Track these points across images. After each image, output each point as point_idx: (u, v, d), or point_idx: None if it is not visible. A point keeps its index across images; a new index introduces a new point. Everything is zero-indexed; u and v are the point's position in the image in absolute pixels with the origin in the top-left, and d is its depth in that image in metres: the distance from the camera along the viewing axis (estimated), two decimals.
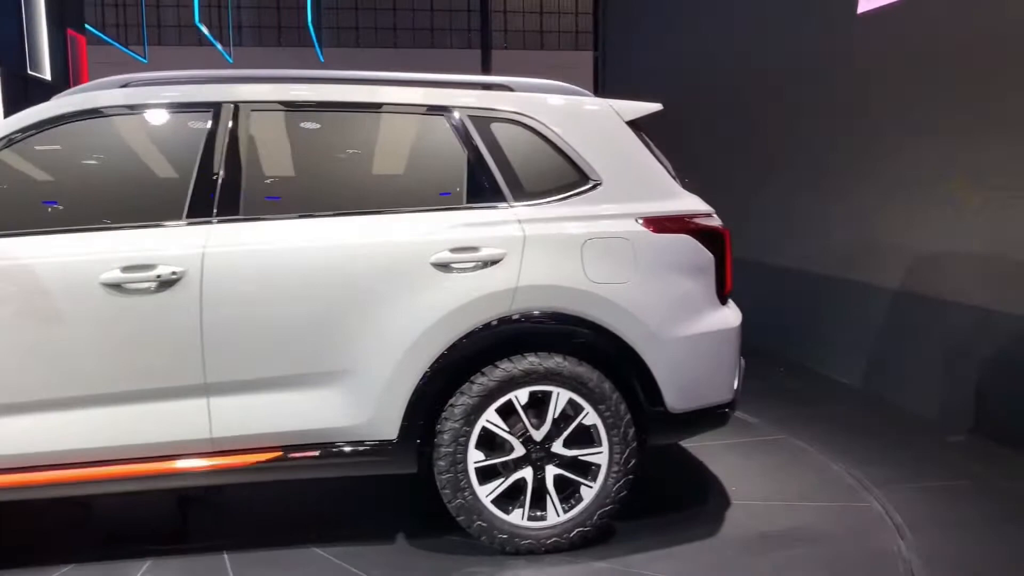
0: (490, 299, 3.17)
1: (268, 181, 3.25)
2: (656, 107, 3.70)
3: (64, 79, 12.36)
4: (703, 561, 3.22)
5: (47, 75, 11.87)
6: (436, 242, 3.17)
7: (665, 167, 3.62)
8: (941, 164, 4.96)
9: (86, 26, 15.39)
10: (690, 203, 3.49)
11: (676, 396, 3.33)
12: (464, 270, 3.17)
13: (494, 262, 3.18)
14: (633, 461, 3.31)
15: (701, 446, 4.42)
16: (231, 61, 22.38)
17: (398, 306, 3.13)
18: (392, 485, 3.67)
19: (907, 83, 5.24)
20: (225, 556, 3.27)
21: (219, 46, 21.50)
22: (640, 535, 3.41)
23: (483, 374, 3.20)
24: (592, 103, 3.51)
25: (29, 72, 11.29)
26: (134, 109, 3.22)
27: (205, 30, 19.65)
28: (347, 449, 3.18)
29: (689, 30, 8.70)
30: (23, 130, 3.08)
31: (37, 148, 3.13)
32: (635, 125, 3.58)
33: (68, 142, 3.17)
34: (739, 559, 3.23)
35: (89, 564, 3.21)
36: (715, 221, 3.48)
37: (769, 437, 4.66)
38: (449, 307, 3.14)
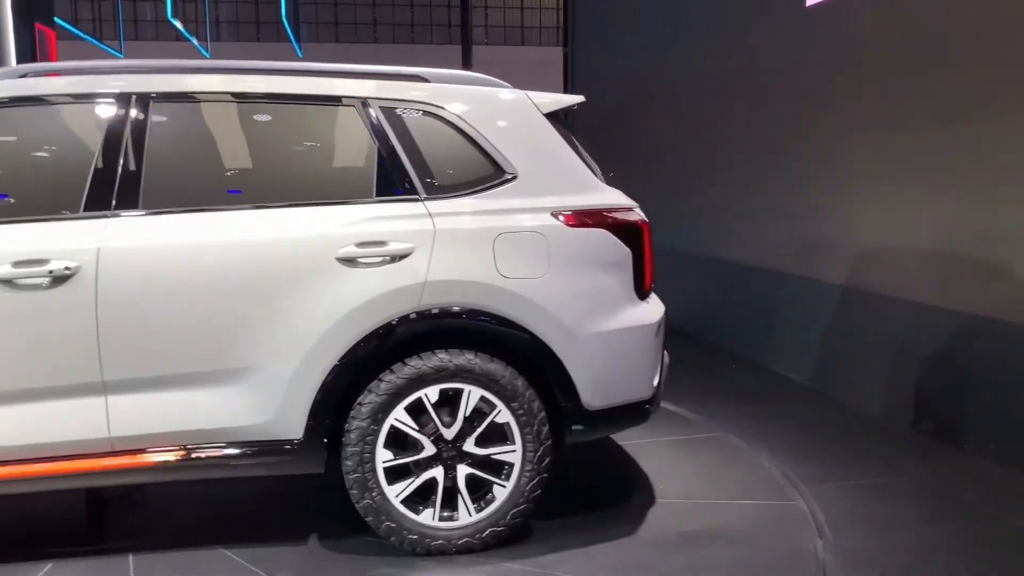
0: (398, 295, 3.10)
1: (170, 174, 3.16)
2: (577, 99, 3.64)
3: None
4: (616, 561, 3.16)
5: None
6: (341, 236, 3.10)
7: (586, 161, 3.56)
8: (884, 158, 4.92)
9: (57, 20, 15.21)
10: (609, 197, 3.43)
11: (592, 393, 3.27)
12: (371, 265, 3.10)
13: (402, 257, 3.11)
14: (548, 460, 3.25)
15: (635, 443, 4.37)
16: (207, 56, 22.20)
17: (302, 303, 3.06)
18: (310, 484, 3.60)
19: (854, 78, 5.20)
20: (130, 558, 3.20)
21: (195, 41, 21.32)
22: (557, 535, 3.36)
23: (392, 371, 3.13)
24: (508, 95, 3.44)
25: None
26: (31, 100, 3.13)
27: (179, 25, 19.48)
28: (252, 449, 3.11)
29: (647, 28, 8.64)
30: None
31: None
32: (555, 118, 3.52)
33: None
34: (652, 559, 3.17)
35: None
36: (634, 215, 3.42)
37: (706, 435, 4.61)
38: (355, 303, 3.07)
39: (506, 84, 3.51)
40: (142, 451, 3.05)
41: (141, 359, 3.00)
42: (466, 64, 21.67)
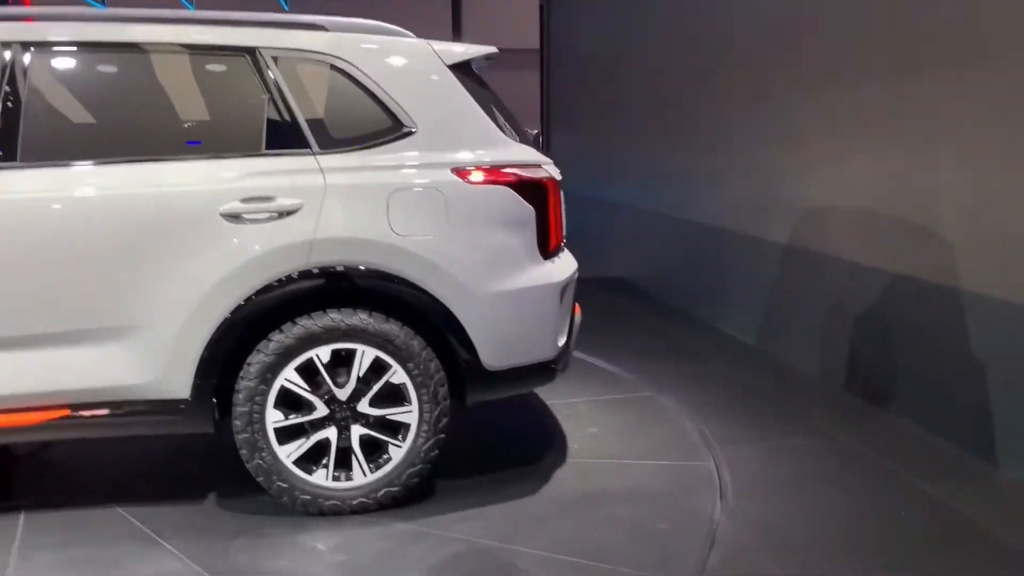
0: (285, 252, 3.02)
1: (51, 126, 3.06)
2: (488, 50, 3.53)
3: None
4: (509, 520, 3.13)
5: None
6: (226, 191, 3.01)
7: (499, 116, 3.46)
8: (827, 118, 4.80)
9: None
10: (515, 153, 3.33)
11: (491, 353, 3.22)
12: (256, 221, 3.02)
13: (289, 213, 3.03)
14: (445, 420, 3.20)
15: (562, 403, 4.34)
16: (191, 8, 21.79)
17: (185, 259, 2.98)
18: (219, 442, 3.56)
19: (803, 38, 5.05)
20: (21, 516, 3.17)
21: None
22: (458, 495, 3.33)
23: (281, 331, 3.06)
24: (410, 45, 3.32)
25: None
26: None
27: None
28: (140, 408, 3.06)
29: None
30: None
31: None
32: (466, 69, 3.42)
33: None
34: (546, 518, 3.14)
35: None
36: (541, 173, 3.32)
37: (636, 394, 4.57)
38: (239, 260, 3.00)
39: (409, 33, 3.39)
40: (24, 409, 3.00)
41: (15, 316, 2.94)
42: (455, 14, 21.37)
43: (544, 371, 3.39)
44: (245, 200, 3.01)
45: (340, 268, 3.06)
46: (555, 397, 4.44)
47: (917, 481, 3.44)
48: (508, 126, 3.56)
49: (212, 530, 3.08)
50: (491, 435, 4.07)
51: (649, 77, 7.60)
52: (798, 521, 3.12)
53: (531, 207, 3.25)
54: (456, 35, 22.52)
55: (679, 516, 3.15)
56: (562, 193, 3.51)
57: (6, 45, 3.00)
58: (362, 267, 3.08)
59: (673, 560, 2.84)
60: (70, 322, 2.97)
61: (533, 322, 3.31)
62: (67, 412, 3.03)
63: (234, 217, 3.00)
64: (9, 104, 2.97)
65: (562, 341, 3.42)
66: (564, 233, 3.60)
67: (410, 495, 3.22)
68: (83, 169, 3.00)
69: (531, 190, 3.25)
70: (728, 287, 6.08)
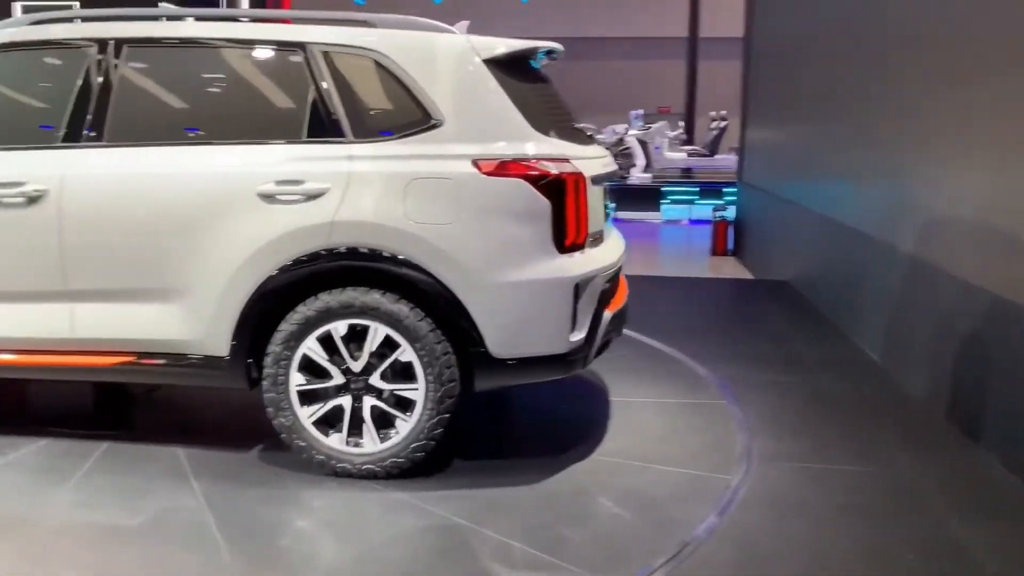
0: (308, 232, 3.30)
1: (129, 113, 3.53)
2: (527, 45, 3.59)
3: None
4: (491, 505, 3.20)
5: None
6: (264, 174, 3.34)
7: (543, 110, 3.53)
8: (968, 122, 4.32)
9: None
10: (540, 147, 3.37)
11: (497, 341, 3.31)
12: (288, 202, 3.32)
13: (316, 196, 3.30)
14: (449, 401, 3.34)
15: (627, 400, 4.32)
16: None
17: (227, 232, 3.35)
18: None
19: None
20: (105, 444, 3.72)
21: None
22: (461, 474, 3.47)
23: (304, 304, 3.35)
24: (448, 41, 3.46)
25: None
26: (37, 44, 3.63)
27: None
28: (187, 361, 3.48)
29: None
30: None
31: None
32: (516, 64, 3.52)
33: None
34: (527, 508, 3.19)
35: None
36: (566, 167, 3.34)
37: (709, 401, 4.41)
38: (269, 237, 3.31)
39: (451, 29, 3.53)
40: (99, 353, 3.53)
41: (94, 272, 3.46)
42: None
43: (555, 364, 3.41)
44: (279, 182, 3.32)
45: (356, 249, 3.29)
46: (623, 394, 4.42)
47: (957, 525, 3.09)
48: (556, 122, 3.61)
49: (237, 478, 3.44)
50: (533, 422, 4.15)
51: (844, 65, 7.12)
52: (781, 549, 2.92)
53: (547, 200, 3.29)
54: (693, 22, 22.16)
55: (656, 525, 3.07)
56: (596, 188, 3.52)
57: (102, 44, 3.52)
58: (376, 250, 3.28)
59: (619, 565, 2.80)
60: (134, 281, 3.45)
61: (542, 314, 3.34)
62: (133, 359, 3.52)
63: (269, 197, 3.32)
64: (103, 93, 3.49)
65: (578, 336, 3.42)
66: (600, 227, 3.60)
67: (414, 468, 3.39)
68: (151, 150, 3.46)
69: (548, 184, 3.29)
70: (865, 297, 5.62)
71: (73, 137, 3.48)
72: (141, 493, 3.29)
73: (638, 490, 3.37)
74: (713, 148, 17.21)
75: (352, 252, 3.30)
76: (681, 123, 18.57)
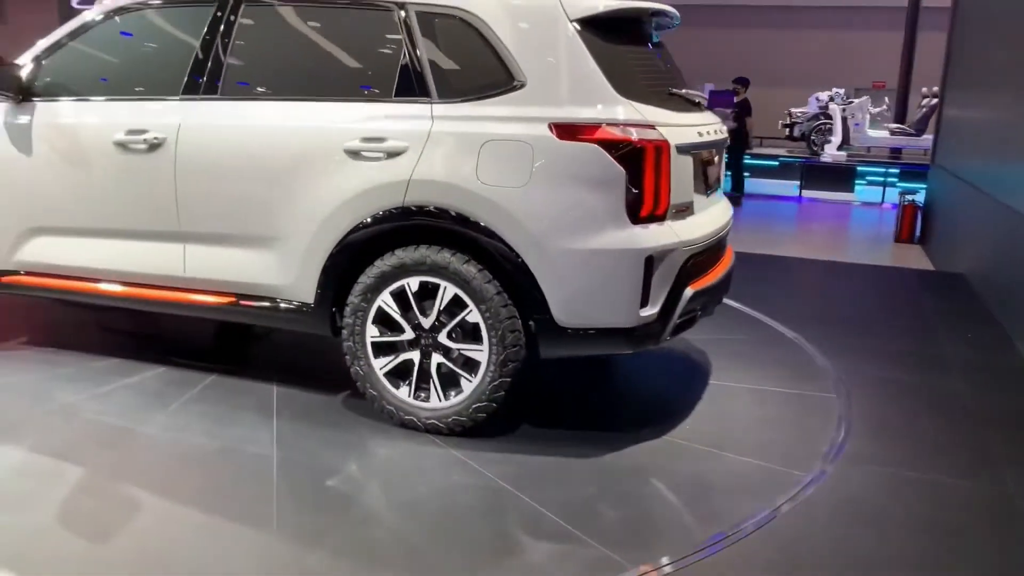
0: (387, 188, 3.38)
1: (240, 68, 3.74)
2: (627, 5, 3.46)
3: None
4: (539, 474, 3.17)
5: None
6: (351, 131, 3.45)
7: (639, 74, 3.43)
8: None
9: None
10: (620, 112, 3.25)
11: (562, 309, 3.27)
12: (371, 159, 3.42)
13: (397, 154, 3.38)
14: (512, 365, 3.34)
15: (732, 385, 4.16)
16: None
17: (315, 185, 3.50)
18: None
19: None
20: (211, 377, 4.04)
21: None
22: (520, 441, 3.47)
23: (382, 259, 3.45)
24: (538, 2, 3.39)
25: None
26: (168, 3, 3.93)
27: None
28: (281, 305, 3.70)
29: None
30: (75, 31, 4.01)
31: (82, 42, 4.02)
32: (617, 25, 3.44)
33: (104, 35, 4.01)
34: (574, 482, 3.13)
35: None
36: (647, 135, 3.21)
37: (817, 393, 4.12)
38: (353, 191, 3.43)
39: None
40: (206, 292, 3.82)
41: (203, 216, 3.73)
42: None
43: (623, 338, 3.31)
44: (364, 139, 3.42)
45: (427, 208, 3.34)
46: (725, 379, 4.24)
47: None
48: (652, 87, 3.48)
49: (315, 418, 3.63)
50: (619, 394, 4.07)
51: None
52: (826, 559, 2.70)
53: (621, 168, 3.18)
54: None
55: (701, 513, 2.94)
56: (685, 157, 3.36)
57: (223, 2, 3.75)
58: (444, 209, 3.32)
59: (640, 548, 2.70)
60: (236, 227, 3.68)
61: (610, 285, 3.25)
62: (234, 300, 3.79)
63: (354, 153, 3.43)
64: (221, 48, 3.73)
65: (650, 312, 3.30)
66: (688, 198, 3.45)
67: (477, 427, 3.43)
68: (254, 103, 3.67)
69: (624, 151, 3.18)
70: None
71: (192, 89, 3.75)
72: (225, 423, 3.54)
73: (697, 476, 3.23)
74: (921, 127, 15.80)
75: (424, 211, 3.35)
76: (887, 99, 17.13)
